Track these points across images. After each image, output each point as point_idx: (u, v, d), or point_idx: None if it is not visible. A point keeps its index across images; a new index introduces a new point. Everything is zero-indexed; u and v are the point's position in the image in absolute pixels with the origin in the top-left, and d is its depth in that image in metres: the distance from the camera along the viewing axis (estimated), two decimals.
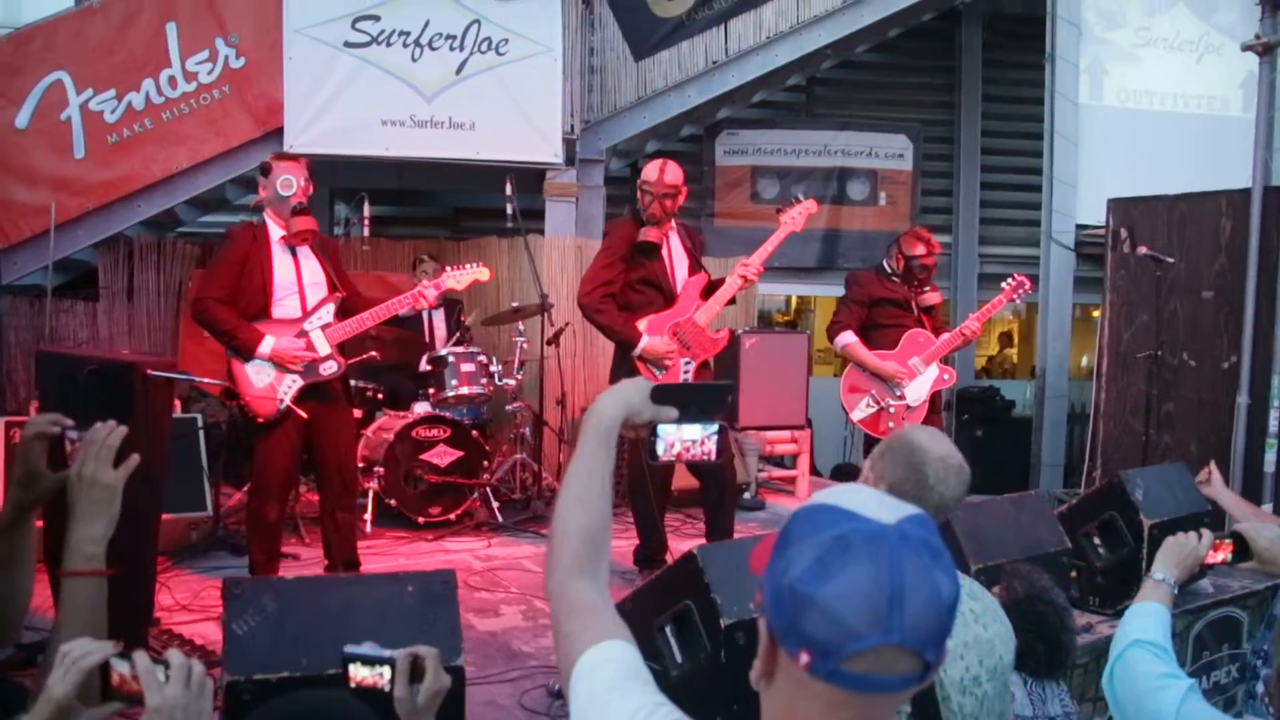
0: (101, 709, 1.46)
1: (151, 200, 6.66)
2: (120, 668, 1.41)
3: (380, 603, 2.67)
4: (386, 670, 1.78)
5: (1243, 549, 2.34)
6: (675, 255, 4.93)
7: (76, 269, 7.03)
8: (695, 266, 4.98)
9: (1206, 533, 2.30)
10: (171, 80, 6.49)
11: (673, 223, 4.90)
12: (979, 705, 1.83)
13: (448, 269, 4.82)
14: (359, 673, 1.80)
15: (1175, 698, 1.85)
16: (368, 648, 1.82)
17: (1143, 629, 2.03)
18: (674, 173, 4.82)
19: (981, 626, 1.85)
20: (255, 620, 2.51)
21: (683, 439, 1.60)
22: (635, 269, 4.81)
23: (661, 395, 1.53)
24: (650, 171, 4.82)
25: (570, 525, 1.43)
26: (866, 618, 1.03)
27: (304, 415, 4.32)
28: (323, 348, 4.40)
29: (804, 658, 1.05)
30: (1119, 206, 6.81)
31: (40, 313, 6.57)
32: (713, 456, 1.62)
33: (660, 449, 1.59)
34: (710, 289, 4.90)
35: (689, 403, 1.57)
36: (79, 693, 1.40)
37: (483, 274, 4.88)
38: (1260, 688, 2.85)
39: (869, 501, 1.12)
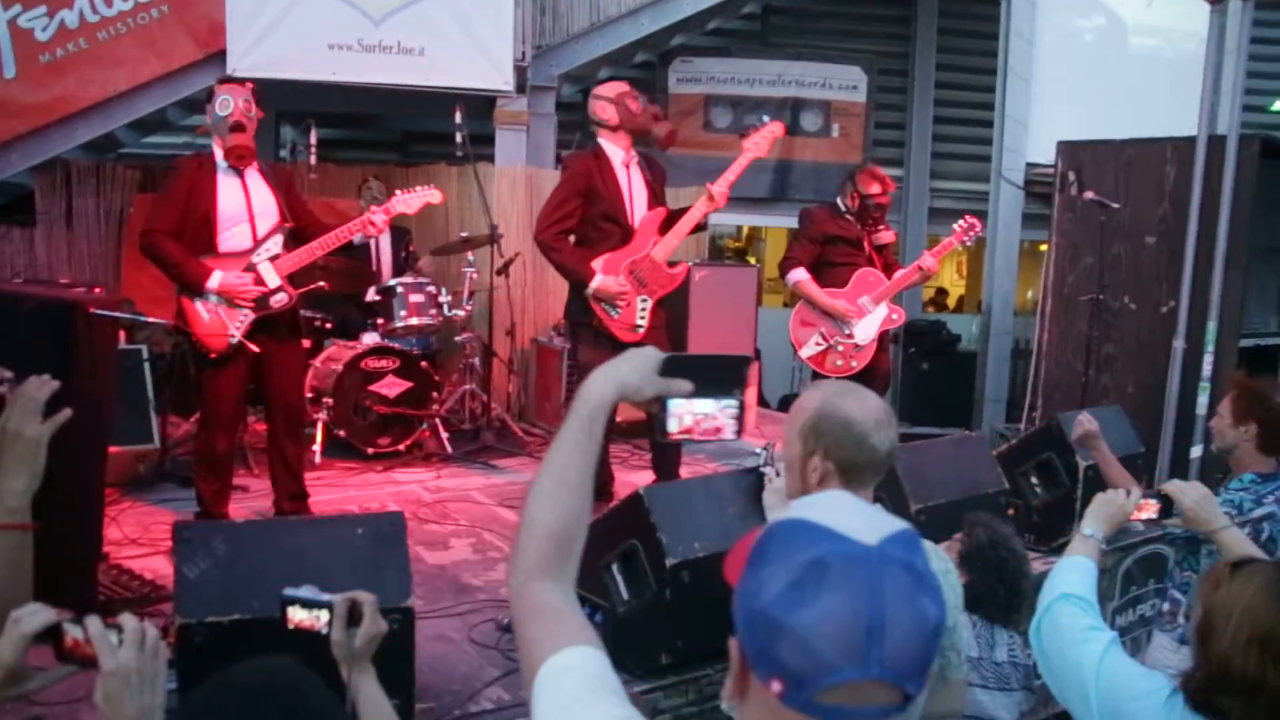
0: (56, 672, 1.48)
1: (89, 124, 6.45)
2: (74, 632, 1.42)
3: (330, 545, 2.70)
4: (324, 614, 1.79)
5: (1168, 507, 2.47)
6: (635, 189, 4.81)
7: (11, 193, 6.83)
8: (655, 200, 4.88)
9: (1135, 490, 2.43)
10: None
11: (634, 154, 4.85)
12: None
13: (398, 193, 4.73)
14: (297, 615, 1.81)
15: (1097, 650, 1.95)
16: (306, 591, 1.83)
17: (1070, 583, 2.13)
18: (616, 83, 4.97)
19: None
20: (206, 563, 2.53)
21: (694, 413, 1.49)
22: (592, 204, 4.72)
23: (673, 367, 1.44)
24: (603, 90, 4.84)
25: (538, 523, 1.32)
26: (842, 650, 0.96)
27: (255, 349, 4.29)
28: (272, 280, 4.35)
29: (776, 686, 0.99)
30: (1068, 149, 6.86)
31: None
32: (728, 435, 1.50)
33: (672, 425, 1.49)
34: (670, 221, 4.81)
35: (702, 375, 1.47)
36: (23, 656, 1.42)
37: (434, 196, 4.78)
38: (1166, 605, 3.07)
39: (850, 517, 1.04)
